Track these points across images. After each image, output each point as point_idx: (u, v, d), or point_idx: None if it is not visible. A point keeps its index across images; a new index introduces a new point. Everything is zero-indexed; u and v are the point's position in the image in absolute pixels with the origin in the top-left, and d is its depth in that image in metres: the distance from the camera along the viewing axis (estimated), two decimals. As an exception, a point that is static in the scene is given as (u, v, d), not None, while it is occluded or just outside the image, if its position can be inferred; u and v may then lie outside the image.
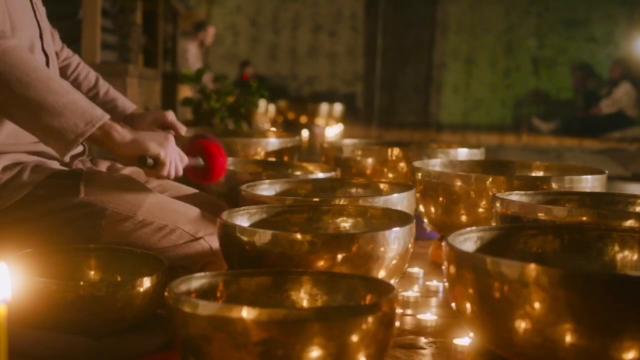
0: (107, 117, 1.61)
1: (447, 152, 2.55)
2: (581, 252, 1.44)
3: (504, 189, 1.98)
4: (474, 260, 1.18)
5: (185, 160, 1.77)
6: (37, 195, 1.70)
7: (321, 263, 1.44)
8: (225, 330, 1.09)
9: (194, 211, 1.79)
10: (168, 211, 1.75)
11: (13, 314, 1.28)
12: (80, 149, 1.90)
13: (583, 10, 11.59)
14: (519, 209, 1.71)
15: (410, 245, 1.55)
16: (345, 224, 1.72)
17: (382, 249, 1.47)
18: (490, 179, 2.03)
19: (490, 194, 1.95)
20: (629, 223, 1.58)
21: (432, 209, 2.15)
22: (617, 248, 1.43)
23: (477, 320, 1.20)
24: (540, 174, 2.34)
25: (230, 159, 2.39)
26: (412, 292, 1.88)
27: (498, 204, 1.76)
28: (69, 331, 1.39)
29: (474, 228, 1.40)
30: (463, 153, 2.55)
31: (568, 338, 1.10)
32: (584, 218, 1.61)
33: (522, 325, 1.13)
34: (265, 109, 7.15)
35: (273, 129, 6.09)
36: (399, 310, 1.18)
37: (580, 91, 10.67)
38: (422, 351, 1.50)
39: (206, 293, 1.28)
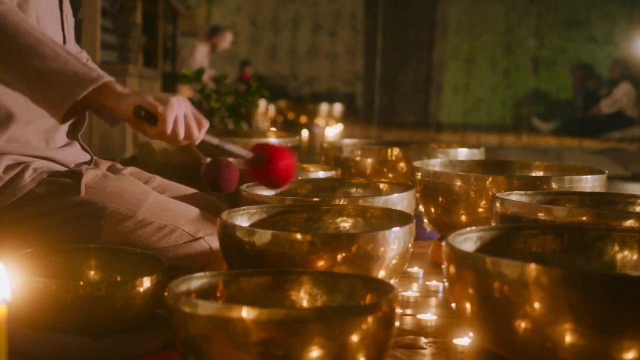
0: (103, 79, 1.56)
1: (447, 152, 2.55)
2: (581, 252, 1.44)
3: (503, 189, 1.98)
4: (473, 260, 1.18)
5: (205, 125, 1.62)
6: (38, 193, 1.70)
7: (321, 263, 1.44)
8: (225, 330, 1.09)
9: (194, 211, 1.79)
10: (168, 211, 1.75)
11: (13, 314, 1.28)
12: (86, 157, 1.90)
13: (583, 10, 11.59)
14: (518, 209, 1.71)
15: (410, 245, 1.55)
16: (345, 224, 1.72)
17: (382, 248, 1.47)
18: (490, 179, 2.03)
19: (490, 194, 1.95)
20: (629, 223, 1.58)
21: (432, 209, 2.15)
22: (617, 248, 1.43)
23: (477, 320, 1.20)
24: (540, 174, 2.34)
25: (229, 159, 2.39)
26: (412, 292, 1.88)
27: (498, 204, 1.76)
28: (69, 331, 1.39)
29: (473, 228, 1.40)
30: (463, 153, 2.55)
31: (568, 338, 1.10)
32: (584, 218, 1.61)
33: (522, 325, 1.13)
34: (265, 109, 7.15)
35: (273, 129, 6.08)
36: (398, 310, 1.18)
37: (580, 91, 10.66)
38: (422, 351, 1.50)
39: (206, 293, 1.28)
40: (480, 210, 2.04)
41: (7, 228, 1.68)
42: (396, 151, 2.54)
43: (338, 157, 2.62)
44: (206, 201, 1.98)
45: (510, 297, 1.12)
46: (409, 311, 1.75)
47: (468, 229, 1.39)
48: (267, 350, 1.08)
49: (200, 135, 1.60)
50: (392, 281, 1.53)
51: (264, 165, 1.70)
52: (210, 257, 1.72)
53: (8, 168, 1.70)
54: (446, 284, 1.27)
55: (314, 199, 1.83)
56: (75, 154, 1.86)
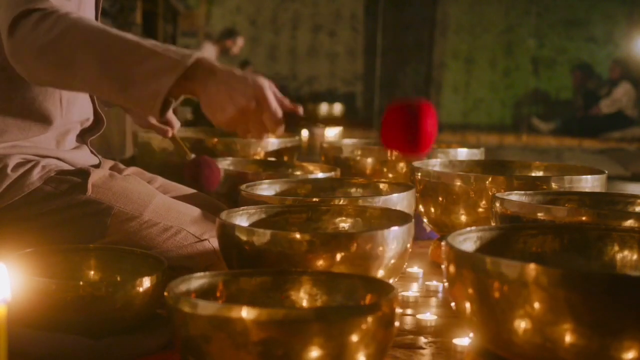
0: (188, 60, 1.44)
1: (446, 152, 2.55)
2: (581, 252, 1.44)
3: (503, 189, 1.98)
4: (473, 260, 1.18)
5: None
6: (45, 191, 1.70)
7: (320, 263, 1.44)
8: (225, 330, 1.09)
9: (199, 213, 1.79)
10: (174, 212, 1.75)
11: (13, 313, 1.28)
12: (95, 161, 1.90)
13: (583, 10, 11.58)
14: (518, 209, 1.71)
15: (408, 245, 1.55)
16: (345, 223, 1.72)
17: (380, 248, 1.47)
18: (489, 179, 2.03)
19: (490, 193, 1.95)
20: (629, 223, 1.58)
21: (432, 209, 2.15)
22: (616, 248, 1.43)
23: (477, 320, 1.20)
24: (540, 174, 2.34)
25: (229, 159, 2.40)
26: (412, 292, 1.88)
27: (498, 204, 1.76)
28: (68, 331, 1.39)
29: (473, 228, 1.40)
30: (463, 153, 2.55)
31: (568, 338, 1.10)
32: (584, 218, 1.61)
33: (521, 325, 1.13)
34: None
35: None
36: (398, 310, 1.18)
37: (579, 91, 10.66)
38: (422, 351, 1.50)
39: (206, 293, 1.28)
40: (480, 210, 2.04)
41: (14, 224, 1.69)
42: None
43: (338, 157, 2.62)
44: (207, 202, 1.98)
45: (510, 297, 1.12)
46: (408, 311, 1.75)
47: (468, 229, 1.39)
48: (267, 350, 1.08)
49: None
50: (391, 281, 1.53)
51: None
52: (214, 259, 1.72)
53: (17, 166, 1.70)
54: (446, 284, 1.27)
55: (314, 199, 1.83)
56: (84, 157, 1.87)
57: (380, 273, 1.49)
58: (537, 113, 11.29)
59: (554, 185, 1.98)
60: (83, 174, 1.76)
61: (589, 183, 2.01)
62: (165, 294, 1.18)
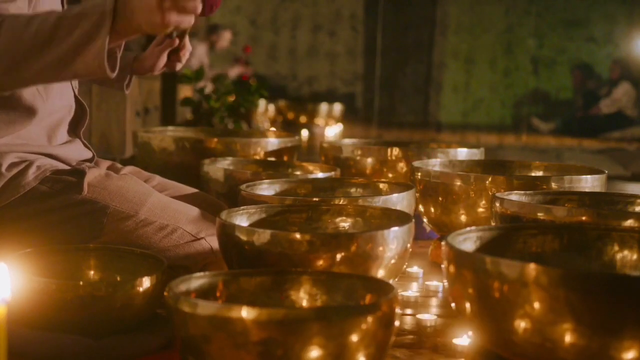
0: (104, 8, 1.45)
1: (446, 152, 2.55)
2: (581, 252, 1.44)
3: (503, 188, 1.99)
4: (473, 260, 1.18)
5: None
6: (40, 191, 1.70)
7: (320, 263, 1.44)
8: (225, 330, 1.09)
9: (195, 211, 1.79)
10: (170, 211, 1.75)
11: (13, 313, 1.28)
12: (88, 155, 1.90)
13: (583, 10, 11.58)
14: (518, 209, 1.71)
15: (409, 245, 1.55)
16: (345, 223, 1.72)
17: (380, 248, 1.47)
18: (489, 179, 2.03)
19: (490, 193, 1.95)
20: (629, 223, 1.58)
21: (432, 209, 2.15)
22: (616, 248, 1.43)
23: (477, 320, 1.20)
24: (540, 173, 2.34)
25: (229, 159, 2.40)
26: (412, 292, 1.88)
27: (497, 204, 1.76)
28: (68, 331, 1.39)
29: (473, 228, 1.40)
30: (462, 153, 2.55)
31: (567, 338, 1.10)
32: (584, 218, 1.61)
33: (521, 325, 1.13)
34: (265, 109, 7.15)
35: (272, 128, 6.09)
36: (398, 310, 1.18)
37: (579, 91, 10.66)
38: (422, 351, 1.50)
39: (206, 293, 1.28)
40: (480, 210, 2.04)
41: (10, 225, 1.69)
42: (396, 151, 2.54)
43: (338, 157, 2.62)
44: (206, 201, 1.98)
45: (509, 297, 1.12)
46: (408, 311, 1.75)
47: (468, 228, 1.39)
48: (267, 350, 1.08)
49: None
50: (391, 281, 1.53)
51: None
52: (210, 257, 1.72)
53: (11, 165, 1.70)
54: (446, 283, 1.27)
55: (314, 199, 1.83)
56: (78, 151, 1.87)
57: (380, 273, 1.49)
58: (537, 113, 11.28)
59: (553, 185, 1.98)
60: (78, 173, 1.76)
61: (589, 183, 2.02)
62: (165, 293, 1.18)
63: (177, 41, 1.98)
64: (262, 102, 6.34)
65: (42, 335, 1.38)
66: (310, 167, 2.37)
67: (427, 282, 1.97)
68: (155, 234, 1.71)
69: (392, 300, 1.16)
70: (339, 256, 1.44)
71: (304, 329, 1.08)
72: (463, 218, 2.08)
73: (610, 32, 11.49)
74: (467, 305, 1.20)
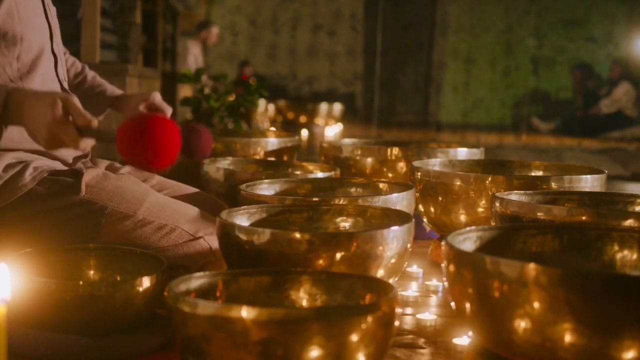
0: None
1: (446, 151, 2.55)
2: (580, 251, 1.44)
3: (503, 188, 1.99)
4: (473, 260, 1.18)
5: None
6: (38, 192, 1.70)
7: (320, 262, 1.44)
8: (225, 330, 1.09)
9: (193, 210, 1.79)
10: (168, 210, 1.75)
11: (13, 313, 1.28)
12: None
13: (582, 9, 11.59)
14: (518, 209, 1.71)
15: (409, 245, 1.55)
16: (345, 223, 1.72)
17: (380, 248, 1.47)
18: (489, 179, 2.03)
19: (490, 193, 1.95)
20: (629, 223, 1.58)
21: (432, 209, 2.15)
22: (616, 248, 1.43)
23: (477, 320, 1.20)
24: (540, 173, 2.34)
25: (229, 159, 2.40)
26: (412, 292, 1.88)
27: (497, 204, 1.76)
28: (68, 331, 1.39)
29: (473, 227, 1.40)
30: (462, 153, 2.55)
31: (567, 338, 1.10)
32: (584, 218, 1.61)
33: (521, 324, 1.13)
34: (265, 109, 7.15)
35: (272, 128, 6.09)
36: (398, 310, 1.18)
37: (579, 91, 10.66)
38: (422, 351, 1.50)
39: (206, 293, 1.28)
40: (480, 209, 2.04)
41: (7, 227, 1.68)
42: (396, 151, 2.54)
43: (337, 157, 2.62)
44: (206, 200, 1.98)
45: (509, 296, 1.12)
46: (408, 311, 1.75)
47: (468, 228, 1.39)
48: (267, 350, 1.08)
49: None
50: (391, 281, 1.53)
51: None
52: (209, 257, 1.72)
53: (8, 167, 1.70)
54: (446, 283, 1.27)
55: (314, 199, 1.83)
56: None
57: (380, 273, 1.50)
58: (537, 113, 11.29)
59: (553, 185, 1.98)
60: (76, 174, 1.75)
61: (589, 183, 2.02)
62: (165, 293, 1.18)
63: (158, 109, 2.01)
64: (262, 102, 6.34)
65: (42, 335, 1.38)
66: (310, 167, 2.37)
67: (426, 282, 1.97)
68: (154, 234, 1.71)
69: (392, 300, 1.16)
70: (338, 256, 1.44)
71: (304, 329, 1.08)
72: (463, 218, 2.08)
73: (610, 31, 11.49)
74: (467, 305, 1.20)
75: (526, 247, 1.44)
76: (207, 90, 4.00)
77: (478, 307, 1.18)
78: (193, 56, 8.75)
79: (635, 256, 1.42)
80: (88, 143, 1.57)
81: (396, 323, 1.18)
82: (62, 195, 1.71)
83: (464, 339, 1.49)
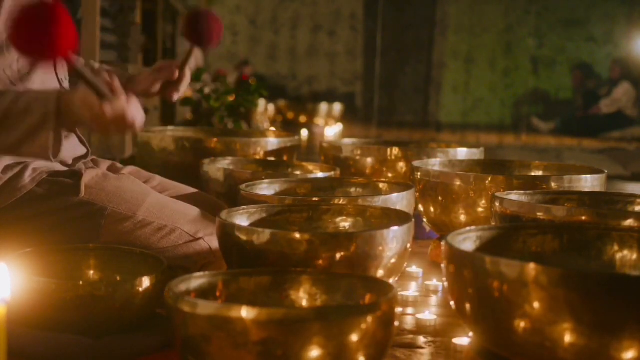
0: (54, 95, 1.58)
1: (446, 151, 2.55)
2: (580, 251, 1.44)
3: (503, 188, 1.99)
4: (473, 260, 1.18)
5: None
6: (38, 193, 1.70)
7: (320, 262, 1.44)
8: (225, 329, 1.09)
9: (193, 211, 1.79)
10: (168, 211, 1.74)
11: (13, 313, 1.28)
12: (83, 151, 1.90)
13: (582, 9, 11.59)
14: (518, 209, 1.71)
15: (408, 245, 1.55)
16: (345, 223, 1.72)
17: (380, 248, 1.47)
18: (489, 179, 2.03)
19: (490, 193, 1.95)
20: (628, 223, 1.58)
21: (432, 209, 2.15)
22: (616, 247, 1.43)
23: (477, 320, 1.20)
24: (540, 173, 2.34)
25: (229, 159, 2.40)
26: (412, 292, 1.88)
27: (497, 204, 1.76)
28: (68, 331, 1.39)
29: (473, 227, 1.40)
30: (462, 153, 2.55)
31: (567, 337, 1.10)
32: (583, 218, 1.61)
33: (521, 324, 1.13)
34: (265, 109, 7.15)
35: (272, 128, 6.09)
36: (398, 310, 1.18)
37: (579, 91, 10.66)
38: (422, 350, 1.50)
39: (205, 293, 1.28)
40: (480, 209, 2.04)
41: (7, 228, 1.68)
42: (396, 151, 2.54)
43: (337, 157, 2.62)
44: (206, 201, 1.98)
45: (509, 296, 1.12)
46: (408, 311, 1.75)
47: (467, 228, 1.39)
48: (267, 349, 1.08)
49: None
50: (391, 280, 1.53)
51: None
52: (209, 257, 1.72)
53: (7, 168, 1.69)
54: (445, 283, 1.27)
55: (314, 199, 1.83)
56: (72, 148, 1.86)
57: (380, 273, 1.50)
58: (537, 113, 11.28)
59: (553, 185, 1.98)
60: (75, 175, 1.75)
61: (589, 183, 2.02)
62: (165, 293, 1.18)
63: (176, 73, 2.00)
64: (261, 102, 6.34)
65: (42, 335, 1.38)
66: (310, 167, 2.37)
67: (426, 282, 1.97)
68: (154, 235, 1.71)
69: (392, 300, 1.16)
70: (338, 256, 1.44)
71: (304, 329, 1.08)
72: (463, 218, 2.08)
73: (610, 31, 11.49)
74: (467, 305, 1.20)
75: (526, 247, 1.44)
76: (207, 90, 4.00)
77: (478, 307, 1.18)
78: (194, 57, 8.74)
79: (635, 256, 1.42)
80: (138, 115, 1.58)
81: (396, 323, 1.18)
82: (62, 196, 1.71)
83: (464, 339, 1.49)
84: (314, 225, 1.71)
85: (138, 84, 2.03)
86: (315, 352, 1.08)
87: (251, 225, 1.65)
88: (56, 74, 1.84)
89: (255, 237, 1.46)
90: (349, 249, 1.44)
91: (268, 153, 2.60)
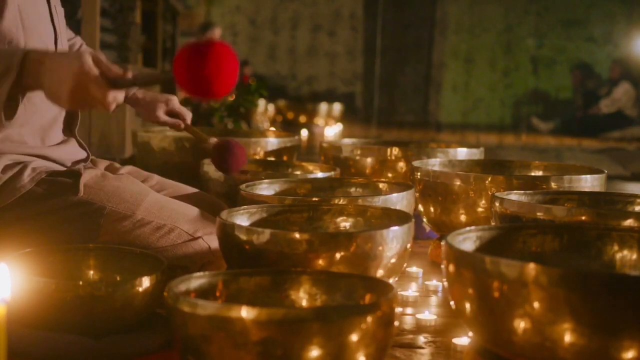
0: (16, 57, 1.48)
1: (446, 151, 2.55)
2: (580, 251, 1.44)
3: (503, 188, 1.99)
4: (473, 260, 1.18)
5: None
6: (37, 193, 1.70)
7: (320, 262, 1.44)
8: (225, 329, 1.09)
9: (192, 210, 1.79)
10: (167, 210, 1.75)
11: (12, 313, 1.28)
12: (83, 155, 1.90)
13: (582, 9, 11.59)
14: (518, 209, 1.71)
15: (408, 245, 1.55)
16: (345, 223, 1.72)
17: (380, 248, 1.47)
18: (489, 179, 2.03)
19: (490, 193, 1.95)
20: (628, 222, 1.58)
21: (431, 209, 2.15)
22: (616, 247, 1.43)
23: (476, 320, 1.20)
24: (540, 173, 2.34)
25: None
26: (412, 292, 1.88)
27: (497, 204, 1.76)
28: (68, 331, 1.39)
29: (473, 227, 1.40)
30: (462, 152, 2.55)
31: (567, 337, 1.10)
32: (583, 217, 1.61)
33: (521, 324, 1.13)
34: (265, 109, 7.15)
35: (272, 128, 6.09)
36: (398, 310, 1.18)
37: (579, 91, 10.67)
38: (421, 350, 1.50)
39: (205, 293, 1.28)
40: (480, 209, 2.04)
41: (6, 228, 1.68)
42: (395, 151, 2.54)
43: (337, 157, 2.62)
44: (205, 200, 1.98)
45: (509, 296, 1.12)
46: (408, 310, 1.75)
47: (467, 228, 1.39)
48: (267, 349, 1.08)
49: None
50: (391, 281, 1.53)
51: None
52: (208, 257, 1.72)
53: (6, 168, 1.70)
54: (445, 283, 1.27)
55: (314, 199, 1.83)
56: (72, 152, 1.86)
57: (379, 273, 1.50)
58: (537, 113, 11.29)
59: (553, 185, 1.98)
60: (74, 174, 1.75)
61: (589, 183, 2.02)
62: (165, 293, 1.18)
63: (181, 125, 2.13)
64: (261, 102, 6.34)
65: (42, 335, 1.38)
66: (310, 167, 2.37)
67: (426, 282, 1.97)
68: (153, 234, 1.71)
69: (392, 300, 1.16)
70: (338, 256, 1.44)
71: (304, 329, 1.08)
72: (463, 218, 2.08)
73: (610, 32, 11.49)
74: (467, 305, 1.20)
75: (526, 247, 1.44)
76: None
77: (478, 307, 1.18)
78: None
79: (635, 256, 1.42)
80: (118, 96, 1.48)
81: (396, 323, 1.18)
82: (61, 195, 1.71)
83: (464, 339, 1.49)
84: (314, 226, 1.71)
85: (138, 107, 2.13)
86: (315, 352, 1.08)
87: (251, 225, 1.65)
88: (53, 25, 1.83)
89: (255, 237, 1.46)
90: (349, 249, 1.44)
91: (268, 153, 2.60)
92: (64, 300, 1.37)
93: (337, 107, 7.87)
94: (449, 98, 11.99)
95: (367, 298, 1.27)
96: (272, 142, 2.64)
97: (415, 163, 2.24)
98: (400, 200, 1.85)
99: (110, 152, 3.90)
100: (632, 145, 8.24)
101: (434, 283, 1.95)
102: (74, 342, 1.37)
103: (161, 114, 2.14)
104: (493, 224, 1.79)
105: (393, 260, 1.51)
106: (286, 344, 1.08)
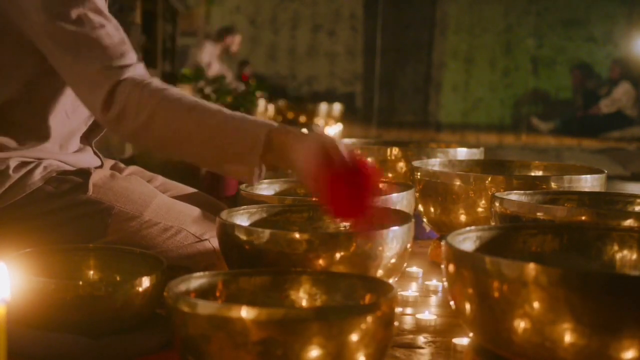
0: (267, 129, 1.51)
1: (446, 151, 2.55)
2: (580, 251, 1.44)
3: (503, 188, 1.99)
4: (473, 260, 1.18)
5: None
6: (46, 191, 1.71)
7: (320, 262, 1.44)
8: (225, 329, 1.09)
9: (199, 212, 1.79)
10: (174, 212, 1.75)
11: (12, 313, 1.28)
12: (97, 163, 1.90)
13: (582, 9, 11.59)
14: (518, 209, 1.71)
15: (408, 245, 1.55)
16: (345, 223, 1.72)
17: (380, 248, 1.47)
18: (489, 179, 2.03)
19: (490, 193, 1.95)
20: (628, 222, 1.58)
21: (431, 209, 2.15)
22: (616, 247, 1.43)
23: (476, 320, 1.20)
24: (540, 173, 2.34)
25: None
26: (411, 292, 1.88)
27: (497, 204, 1.76)
28: (68, 331, 1.39)
29: (473, 227, 1.40)
30: (462, 152, 2.55)
31: (567, 337, 1.10)
32: (583, 218, 1.61)
33: (521, 324, 1.13)
34: (265, 109, 7.14)
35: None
36: (398, 310, 1.18)
37: (579, 91, 10.67)
38: (421, 350, 1.50)
39: (205, 293, 1.28)
40: (480, 209, 2.04)
41: (15, 224, 1.69)
42: (395, 151, 2.54)
43: (337, 157, 2.61)
44: (206, 201, 1.98)
45: (509, 296, 1.12)
46: (408, 311, 1.75)
47: (467, 228, 1.39)
48: (267, 349, 1.08)
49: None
50: (391, 281, 1.53)
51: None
52: (213, 259, 1.73)
53: (18, 166, 1.70)
54: (445, 283, 1.27)
55: (314, 199, 1.83)
56: (87, 160, 1.87)
57: (379, 273, 1.50)
58: (537, 113, 11.29)
59: (553, 185, 1.98)
60: (84, 173, 1.76)
61: (589, 183, 2.01)
62: (165, 293, 1.18)
63: None
64: (261, 102, 6.34)
65: (42, 335, 1.38)
66: (310, 167, 2.36)
67: (426, 282, 1.97)
68: (160, 235, 1.71)
69: (392, 300, 1.16)
70: (338, 256, 1.44)
71: (304, 329, 1.08)
72: (463, 218, 2.08)
73: (610, 32, 11.49)
74: (467, 305, 1.20)
75: (526, 247, 1.44)
76: (207, 91, 4.00)
77: (478, 307, 1.18)
78: (208, 54, 8.70)
79: (635, 256, 1.42)
80: None
81: (396, 323, 1.18)
82: (70, 194, 1.72)
83: (464, 339, 1.49)
84: (314, 226, 1.71)
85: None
86: (315, 352, 1.08)
87: (251, 225, 1.65)
88: None
89: (255, 237, 1.46)
90: (349, 248, 1.44)
91: (268, 153, 2.60)
92: (64, 300, 1.37)
93: (337, 107, 7.86)
94: (449, 98, 11.99)
95: (367, 298, 1.27)
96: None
97: (415, 163, 2.24)
98: (400, 200, 1.85)
99: (110, 152, 3.90)
100: (632, 145, 8.24)
101: (434, 283, 1.95)
102: (74, 342, 1.37)
103: None
104: (493, 224, 1.78)
105: (393, 260, 1.51)
106: (286, 344, 1.08)
